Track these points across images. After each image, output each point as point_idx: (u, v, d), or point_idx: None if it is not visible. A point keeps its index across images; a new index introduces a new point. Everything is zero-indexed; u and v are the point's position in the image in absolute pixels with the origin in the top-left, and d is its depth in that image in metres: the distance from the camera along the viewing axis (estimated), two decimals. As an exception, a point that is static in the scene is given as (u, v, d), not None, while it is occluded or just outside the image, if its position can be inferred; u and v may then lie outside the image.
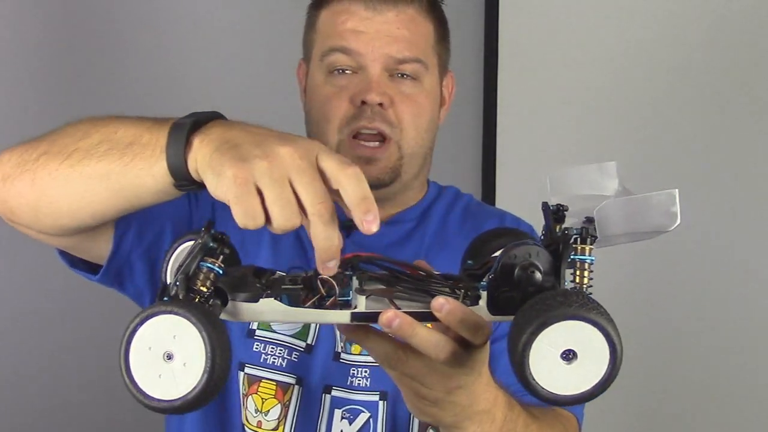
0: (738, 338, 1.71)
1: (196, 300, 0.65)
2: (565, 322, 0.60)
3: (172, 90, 1.65)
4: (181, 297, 0.64)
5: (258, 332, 1.03)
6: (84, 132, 0.79)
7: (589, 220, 0.66)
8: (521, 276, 0.66)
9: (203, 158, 0.69)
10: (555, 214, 0.69)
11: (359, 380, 1.03)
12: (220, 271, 0.66)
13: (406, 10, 1.05)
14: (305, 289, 0.68)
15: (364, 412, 1.02)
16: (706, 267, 1.74)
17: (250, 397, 1.01)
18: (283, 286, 0.68)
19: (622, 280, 1.75)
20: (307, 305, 0.68)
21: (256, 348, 1.02)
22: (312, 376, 1.02)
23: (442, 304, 0.66)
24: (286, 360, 1.02)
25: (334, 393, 1.02)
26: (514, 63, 1.85)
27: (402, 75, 1.05)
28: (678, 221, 0.65)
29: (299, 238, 1.07)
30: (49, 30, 1.60)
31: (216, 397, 0.62)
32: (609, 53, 1.80)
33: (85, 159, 0.77)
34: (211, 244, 0.66)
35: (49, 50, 1.60)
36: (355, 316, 0.68)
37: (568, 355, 0.61)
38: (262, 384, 1.01)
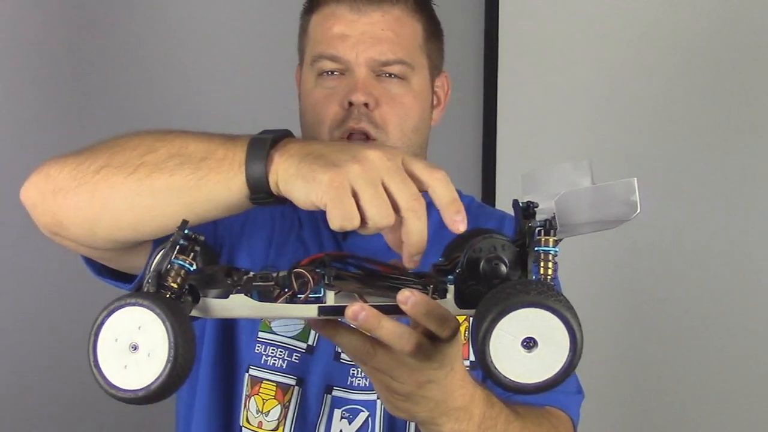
0: (734, 338, 1.72)
1: (167, 295, 0.66)
2: (523, 309, 0.61)
3: (174, 90, 1.65)
4: (150, 291, 0.66)
5: (260, 334, 1.04)
6: (147, 146, 0.80)
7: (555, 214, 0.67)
8: (486, 269, 0.67)
9: (287, 170, 0.72)
10: (525, 210, 0.70)
11: (359, 380, 1.03)
12: (191, 268, 0.67)
13: (391, 11, 1.06)
14: (277, 286, 0.69)
15: (363, 411, 1.03)
16: (705, 267, 1.74)
17: (252, 398, 1.02)
18: (254, 283, 0.70)
19: (616, 278, 1.76)
20: (279, 301, 0.69)
21: (258, 350, 1.03)
22: (313, 377, 1.03)
23: (407, 297, 0.67)
24: (286, 361, 1.03)
25: (335, 393, 1.03)
26: (514, 63, 1.86)
27: (389, 75, 1.06)
28: (638, 210, 0.65)
29: (302, 241, 1.08)
30: (48, 29, 1.60)
31: (179, 387, 0.63)
32: (609, 53, 1.81)
33: (154, 173, 0.78)
34: (182, 242, 0.68)
35: (50, 50, 1.60)
36: (322, 310, 0.69)
37: (529, 344, 0.62)
38: (263, 385, 1.02)
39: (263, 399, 1.02)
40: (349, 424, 1.03)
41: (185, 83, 1.67)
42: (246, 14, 1.73)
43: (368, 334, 0.71)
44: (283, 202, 0.76)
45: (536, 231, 0.68)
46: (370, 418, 1.03)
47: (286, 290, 0.69)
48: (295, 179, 0.71)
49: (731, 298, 1.72)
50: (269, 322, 1.04)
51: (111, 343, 0.63)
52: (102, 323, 0.64)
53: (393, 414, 0.80)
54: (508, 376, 0.62)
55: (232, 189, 0.75)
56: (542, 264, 0.67)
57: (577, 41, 1.82)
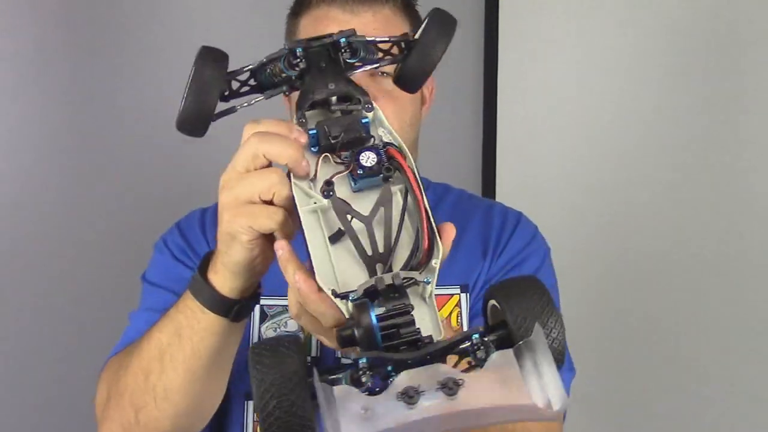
0: (730, 337, 1.72)
1: None
2: None
3: (165, 92, 1.64)
4: None
5: None
6: (143, 369, 0.88)
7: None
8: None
9: (217, 263, 0.80)
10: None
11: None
12: None
13: (381, 11, 1.06)
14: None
15: None
16: (704, 267, 1.74)
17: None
18: None
19: (610, 278, 1.76)
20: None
21: None
22: None
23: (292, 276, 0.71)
24: None
25: None
26: (514, 63, 1.85)
27: (383, 74, 1.05)
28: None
29: None
30: (45, 29, 1.60)
31: None
32: (609, 53, 1.80)
33: (167, 384, 0.86)
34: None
35: (47, 49, 1.60)
36: None
37: None
38: None
39: None
40: None
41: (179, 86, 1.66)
42: (242, 18, 1.72)
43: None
44: (256, 295, 0.84)
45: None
46: None
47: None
48: (225, 254, 0.78)
49: (726, 297, 1.72)
50: None
51: None
52: None
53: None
54: None
55: (212, 329, 0.83)
56: None
57: (578, 41, 1.82)
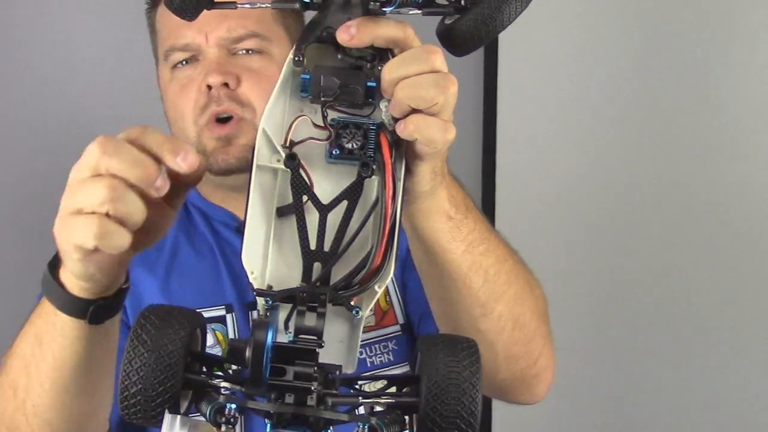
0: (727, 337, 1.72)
1: None
2: None
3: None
4: None
5: None
6: (12, 390, 0.78)
7: None
8: None
9: (66, 263, 0.69)
10: None
11: None
12: None
13: None
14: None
15: None
16: (704, 267, 1.74)
17: None
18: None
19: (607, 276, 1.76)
20: None
21: None
22: None
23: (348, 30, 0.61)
24: None
25: None
26: (514, 63, 1.85)
27: (246, 51, 1.02)
28: None
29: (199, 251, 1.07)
30: None
31: None
32: (610, 53, 1.80)
33: (36, 400, 0.77)
34: None
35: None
36: None
37: None
38: None
39: None
40: None
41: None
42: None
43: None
44: (120, 293, 0.73)
45: None
46: None
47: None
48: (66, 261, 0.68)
49: (726, 299, 1.72)
50: None
51: None
52: None
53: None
54: None
55: (72, 334, 0.73)
56: None
57: (578, 41, 1.82)
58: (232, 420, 0.54)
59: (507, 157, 1.85)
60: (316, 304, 0.58)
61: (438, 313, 0.89)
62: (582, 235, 1.77)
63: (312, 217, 0.62)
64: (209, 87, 1.00)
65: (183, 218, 1.09)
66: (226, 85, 1.00)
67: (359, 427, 0.54)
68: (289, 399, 0.55)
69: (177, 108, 1.03)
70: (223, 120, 1.02)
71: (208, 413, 0.54)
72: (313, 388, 0.55)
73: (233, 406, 0.54)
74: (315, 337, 0.58)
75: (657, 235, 1.75)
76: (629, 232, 1.78)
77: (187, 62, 1.02)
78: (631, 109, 1.79)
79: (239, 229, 1.05)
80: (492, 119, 1.86)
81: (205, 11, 0.95)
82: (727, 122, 1.73)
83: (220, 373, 0.58)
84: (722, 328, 1.72)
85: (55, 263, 0.72)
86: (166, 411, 0.53)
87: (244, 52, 1.02)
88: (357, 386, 0.61)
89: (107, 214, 0.62)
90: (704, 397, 1.72)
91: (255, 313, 1.01)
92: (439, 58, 0.65)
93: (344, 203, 0.62)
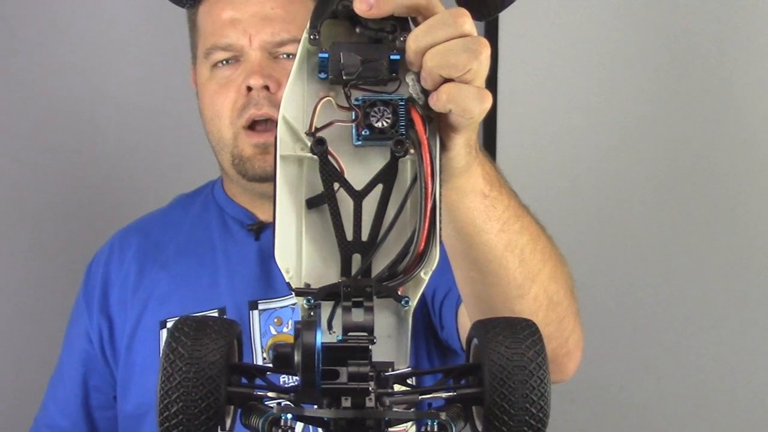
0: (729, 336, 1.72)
1: None
2: None
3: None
4: None
5: None
6: None
7: None
8: None
9: None
10: None
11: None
12: None
13: None
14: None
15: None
16: (704, 267, 1.74)
17: None
18: None
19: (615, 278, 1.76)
20: None
21: None
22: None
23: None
24: None
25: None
26: (514, 63, 1.85)
27: (287, 56, 1.02)
28: None
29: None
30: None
31: None
32: (610, 54, 1.80)
33: None
34: None
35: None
36: None
37: None
38: None
39: None
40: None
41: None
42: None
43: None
44: None
45: None
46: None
47: None
48: None
49: (726, 300, 1.72)
50: None
51: None
52: None
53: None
54: None
55: None
56: None
57: (578, 41, 1.82)
58: (288, 431, 0.50)
59: (507, 157, 1.85)
60: (362, 299, 0.54)
61: (469, 297, 0.85)
62: (582, 235, 1.77)
63: (345, 206, 0.57)
64: (249, 89, 1.00)
65: (197, 215, 1.08)
66: (266, 88, 1.00)
67: (427, 424, 0.51)
68: (346, 403, 0.51)
69: (214, 107, 1.03)
70: (261, 126, 1.01)
71: (260, 426, 0.51)
72: (370, 388, 0.52)
73: (289, 416, 0.50)
74: (366, 334, 0.54)
75: (658, 234, 1.75)
76: (630, 232, 1.78)
77: (227, 62, 1.02)
78: (631, 108, 1.79)
79: (252, 227, 1.04)
80: (492, 119, 1.86)
81: (251, 11, 0.96)
82: (730, 121, 1.73)
83: (263, 383, 0.54)
84: (726, 327, 1.72)
85: None
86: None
87: (285, 56, 1.02)
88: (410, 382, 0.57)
89: None
90: (704, 396, 1.72)
91: (257, 314, 1.01)
92: (468, 21, 0.60)
93: (379, 187, 0.58)
